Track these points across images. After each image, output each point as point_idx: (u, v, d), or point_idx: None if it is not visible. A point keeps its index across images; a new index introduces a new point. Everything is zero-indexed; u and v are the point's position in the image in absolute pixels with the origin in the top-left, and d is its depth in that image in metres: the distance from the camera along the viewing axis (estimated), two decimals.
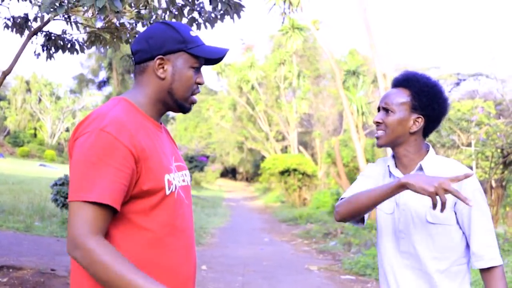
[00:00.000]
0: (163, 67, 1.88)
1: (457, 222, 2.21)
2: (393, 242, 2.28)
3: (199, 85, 1.95)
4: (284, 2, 19.01)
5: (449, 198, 2.17)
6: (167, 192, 1.80)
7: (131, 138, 1.72)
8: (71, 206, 1.67)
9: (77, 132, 1.76)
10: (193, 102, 1.96)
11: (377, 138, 2.28)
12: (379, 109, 2.31)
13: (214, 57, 1.93)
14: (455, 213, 2.19)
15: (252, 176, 50.04)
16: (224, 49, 1.97)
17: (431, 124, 2.27)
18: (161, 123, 1.99)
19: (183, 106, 1.94)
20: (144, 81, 1.90)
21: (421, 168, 2.24)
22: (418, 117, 2.23)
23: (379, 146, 2.30)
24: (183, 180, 1.95)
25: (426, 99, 2.22)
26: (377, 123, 2.27)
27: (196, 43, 1.91)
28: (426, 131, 2.28)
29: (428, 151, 2.29)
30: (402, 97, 2.24)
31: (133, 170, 1.72)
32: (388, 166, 2.33)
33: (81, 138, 1.72)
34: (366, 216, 2.42)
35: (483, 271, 2.17)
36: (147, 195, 1.76)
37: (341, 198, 2.45)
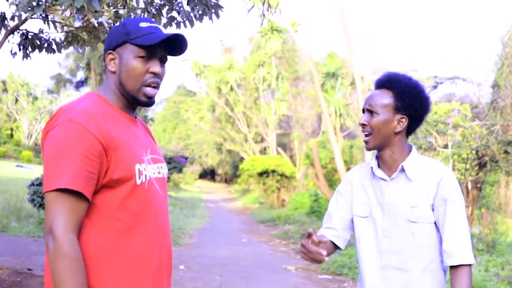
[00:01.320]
0: (113, 61, 1.94)
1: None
2: (374, 243, 2.33)
3: (155, 75, 1.93)
4: (263, 3, 19.06)
5: (427, 197, 2.24)
6: (138, 182, 1.84)
7: (99, 127, 1.77)
8: (47, 197, 1.72)
9: (48, 126, 1.82)
10: (148, 95, 1.93)
11: (366, 142, 2.32)
12: (363, 111, 2.34)
13: (152, 42, 1.89)
14: (433, 211, 2.25)
15: (231, 178, 49.96)
16: (167, 34, 1.91)
17: (414, 123, 2.33)
18: (136, 117, 2.04)
19: (137, 99, 1.93)
20: (107, 77, 1.98)
21: (402, 169, 2.29)
22: (402, 117, 2.28)
23: (368, 149, 2.34)
24: (159, 172, 1.99)
25: (408, 99, 2.27)
26: (363, 125, 2.30)
27: (141, 33, 1.90)
28: (409, 130, 2.34)
29: (410, 151, 2.34)
30: (385, 98, 2.28)
31: (102, 159, 1.77)
32: (372, 167, 2.37)
33: (51, 131, 1.79)
34: (342, 241, 2.47)
35: (452, 268, 2.22)
36: (117, 185, 1.80)
37: (326, 227, 2.50)
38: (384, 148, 2.31)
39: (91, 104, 1.86)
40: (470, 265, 2.20)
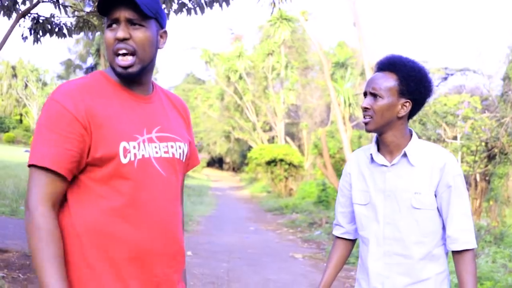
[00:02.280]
0: None
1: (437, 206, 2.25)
2: (375, 230, 2.30)
3: (119, 41, 1.76)
4: None
5: (431, 183, 2.21)
6: (123, 160, 1.74)
7: (77, 104, 1.71)
8: (29, 172, 1.72)
9: None
10: (119, 64, 1.77)
11: (366, 123, 2.26)
12: (365, 94, 2.28)
13: (100, 5, 1.77)
14: (436, 197, 2.23)
15: (239, 166, 50.08)
16: None
17: (416, 107, 2.27)
18: (151, 92, 1.93)
19: (115, 71, 1.81)
20: None
21: (405, 155, 2.25)
22: (406, 102, 2.22)
23: (368, 131, 2.28)
24: (166, 152, 1.87)
25: (413, 83, 2.21)
26: (365, 109, 2.24)
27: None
28: (410, 114, 2.28)
29: (411, 135, 2.30)
30: (390, 81, 2.22)
31: (81, 136, 1.71)
32: (371, 153, 2.33)
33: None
34: (351, 234, 2.52)
35: (455, 253, 2.22)
36: (102, 163, 1.74)
37: (334, 224, 2.58)
38: (385, 132, 2.26)
39: (86, 81, 1.81)
40: (473, 249, 2.21)
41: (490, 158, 12.06)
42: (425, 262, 2.25)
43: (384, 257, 2.29)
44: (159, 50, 1.90)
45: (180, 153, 1.93)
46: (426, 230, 2.24)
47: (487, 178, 12.40)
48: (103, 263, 1.75)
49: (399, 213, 2.25)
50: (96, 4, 1.75)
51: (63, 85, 1.79)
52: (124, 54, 1.77)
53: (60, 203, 1.76)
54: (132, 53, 1.78)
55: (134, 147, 1.77)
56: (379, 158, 2.31)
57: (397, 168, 2.27)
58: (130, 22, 1.77)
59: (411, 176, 2.24)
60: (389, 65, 2.27)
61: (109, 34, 1.77)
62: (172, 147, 1.89)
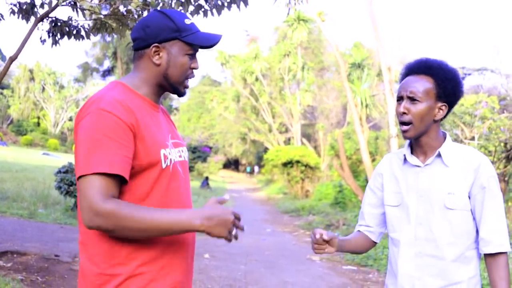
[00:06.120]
0: (158, 54, 2.00)
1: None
2: (407, 231, 2.27)
3: (193, 70, 2.07)
4: None
5: (465, 184, 2.18)
6: (163, 165, 1.93)
7: (129, 115, 1.85)
8: (81, 182, 1.77)
9: (79, 116, 1.88)
10: (187, 87, 2.09)
11: (405, 131, 2.23)
12: (400, 98, 2.25)
13: (207, 44, 2.02)
14: (469, 198, 2.20)
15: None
16: (217, 35, 2.06)
17: (450, 109, 2.27)
18: (159, 104, 2.13)
19: (178, 90, 2.07)
20: (141, 66, 2.03)
21: (439, 155, 2.23)
22: (443, 105, 2.22)
23: (407, 138, 2.26)
24: (180, 156, 2.07)
25: (450, 86, 2.20)
26: (403, 113, 2.21)
27: (190, 31, 2.01)
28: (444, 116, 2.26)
29: (445, 137, 2.29)
30: (427, 84, 2.20)
31: (133, 144, 1.85)
32: (404, 155, 2.31)
33: (83, 120, 1.85)
34: (376, 235, 2.49)
35: (488, 256, 2.18)
36: (145, 169, 1.89)
37: (359, 224, 2.53)
38: (421, 135, 2.25)
39: (119, 93, 1.92)
40: (506, 252, 2.17)
41: (509, 158, 11.91)
42: (457, 264, 2.21)
43: (415, 258, 2.25)
44: None
45: (185, 156, 2.14)
46: (458, 231, 2.20)
47: (506, 178, 12.26)
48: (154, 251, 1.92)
49: (432, 214, 2.22)
50: (195, 36, 2.03)
51: (107, 96, 1.89)
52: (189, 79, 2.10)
53: None
54: None
55: (169, 153, 1.98)
56: (413, 159, 2.29)
57: (430, 169, 2.25)
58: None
59: (444, 176, 2.22)
60: (425, 68, 2.24)
61: (188, 61, 2.03)
62: (182, 151, 2.12)
